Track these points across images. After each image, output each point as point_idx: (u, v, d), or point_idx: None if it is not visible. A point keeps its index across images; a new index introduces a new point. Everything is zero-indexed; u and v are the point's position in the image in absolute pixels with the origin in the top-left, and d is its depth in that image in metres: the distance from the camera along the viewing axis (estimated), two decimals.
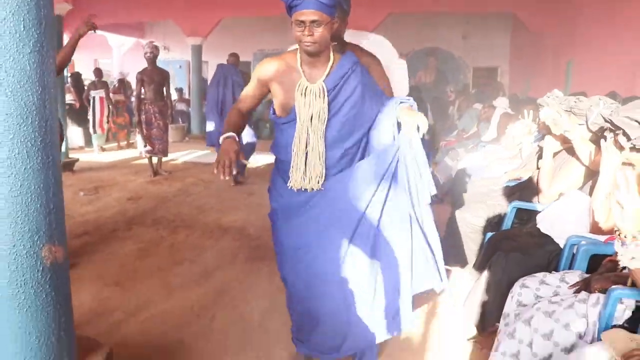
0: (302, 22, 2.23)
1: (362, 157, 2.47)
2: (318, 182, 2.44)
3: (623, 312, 1.98)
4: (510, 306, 2.43)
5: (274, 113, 2.58)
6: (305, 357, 2.75)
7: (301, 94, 2.39)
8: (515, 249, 2.77)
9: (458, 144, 7.89)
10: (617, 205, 1.74)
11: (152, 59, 7.43)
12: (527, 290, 2.37)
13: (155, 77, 7.49)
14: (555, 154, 3.38)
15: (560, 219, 2.76)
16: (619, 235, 1.80)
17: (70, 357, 2.17)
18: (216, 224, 5.31)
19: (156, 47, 7.52)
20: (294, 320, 2.69)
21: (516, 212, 3.40)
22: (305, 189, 2.46)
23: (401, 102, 2.40)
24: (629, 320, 2.00)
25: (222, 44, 13.30)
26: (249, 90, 2.56)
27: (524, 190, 3.62)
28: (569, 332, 1.98)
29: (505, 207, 3.59)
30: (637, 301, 1.97)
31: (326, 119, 2.39)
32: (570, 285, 2.28)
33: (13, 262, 1.94)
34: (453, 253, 3.66)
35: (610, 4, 7.28)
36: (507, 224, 3.35)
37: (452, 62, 14.69)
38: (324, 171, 2.43)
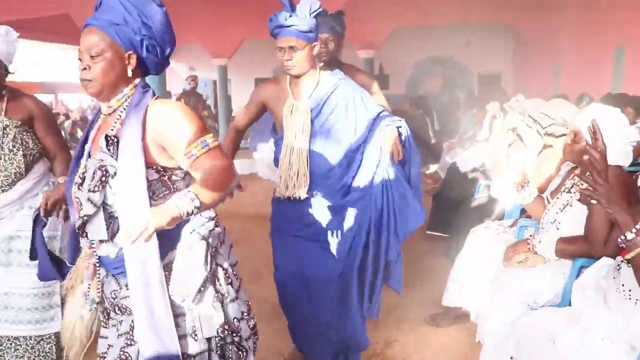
0: (282, 48, 2.46)
1: (349, 173, 2.64)
2: (303, 191, 2.60)
3: (528, 235, 3.07)
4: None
5: (274, 129, 2.82)
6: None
7: (290, 112, 2.59)
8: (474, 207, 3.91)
9: (458, 144, 8.95)
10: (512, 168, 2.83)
11: (194, 88, 9.12)
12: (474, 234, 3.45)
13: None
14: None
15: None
16: (516, 185, 2.89)
17: None
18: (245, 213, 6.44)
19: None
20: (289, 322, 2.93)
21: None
22: (295, 199, 2.62)
23: (387, 125, 2.60)
24: None
25: (244, 63, 14.18)
26: (246, 110, 2.81)
27: (489, 171, 4.72)
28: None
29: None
30: (535, 227, 3.06)
31: (309, 133, 2.57)
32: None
33: None
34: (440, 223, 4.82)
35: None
36: (476, 194, 4.46)
37: (456, 69, 15.24)
38: (307, 181, 2.58)
